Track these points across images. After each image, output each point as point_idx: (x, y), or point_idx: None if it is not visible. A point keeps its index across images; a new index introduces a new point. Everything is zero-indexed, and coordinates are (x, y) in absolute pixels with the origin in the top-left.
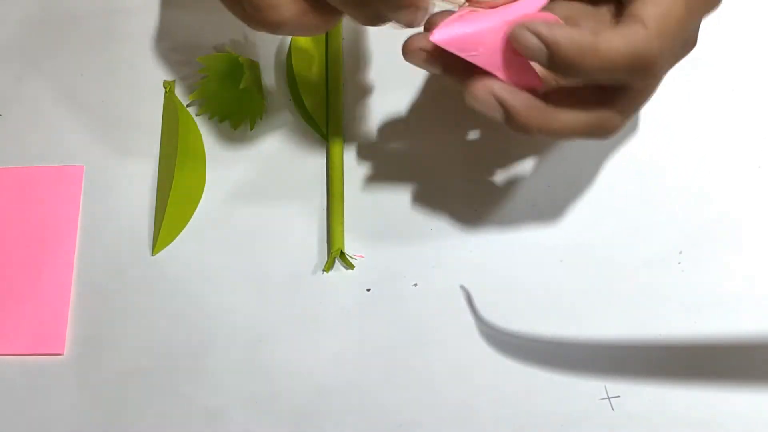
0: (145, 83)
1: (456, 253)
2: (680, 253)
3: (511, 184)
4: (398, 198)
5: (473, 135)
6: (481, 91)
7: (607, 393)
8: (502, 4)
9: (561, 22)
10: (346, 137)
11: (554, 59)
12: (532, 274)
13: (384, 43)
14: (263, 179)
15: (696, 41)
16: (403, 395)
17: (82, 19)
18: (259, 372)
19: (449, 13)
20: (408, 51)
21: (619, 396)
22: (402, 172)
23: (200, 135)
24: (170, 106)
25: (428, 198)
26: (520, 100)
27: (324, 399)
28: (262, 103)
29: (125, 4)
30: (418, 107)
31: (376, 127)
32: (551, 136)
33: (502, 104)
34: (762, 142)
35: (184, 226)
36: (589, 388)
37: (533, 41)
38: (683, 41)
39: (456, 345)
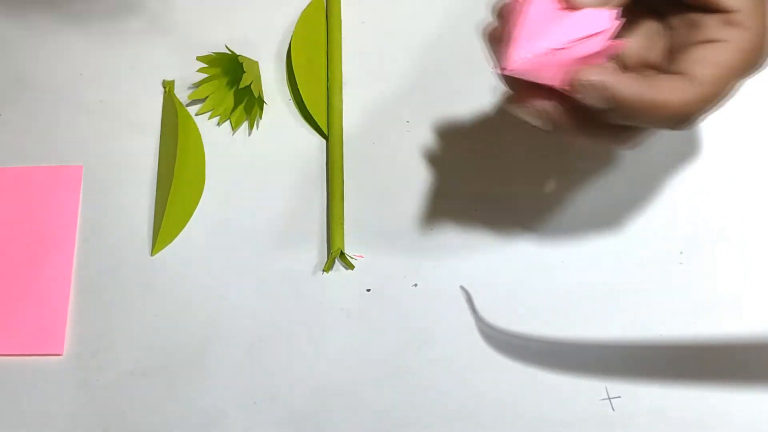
0: (145, 83)
1: (456, 253)
2: (681, 253)
3: (512, 184)
4: (398, 198)
5: (473, 135)
6: (579, 80)
7: (607, 393)
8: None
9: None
10: (346, 137)
11: (614, 110)
12: (533, 274)
13: (384, 42)
14: (263, 179)
15: None
16: (403, 396)
17: (82, 18)
18: (258, 372)
19: None
20: (520, 103)
21: (619, 396)
22: (402, 172)
23: (200, 135)
24: (169, 105)
25: (428, 198)
26: (625, 84)
27: (324, 399)
28: (261, 103)
29: (125, 3)
30: (419, 107)
31: (377, 127)
32: (646, 122)
33: (606, 89)
34: (762, 143)
35: (183, 226)
36: (590, 389)
37: (596, 93)
38: (722, 102)
39: (456, 345)
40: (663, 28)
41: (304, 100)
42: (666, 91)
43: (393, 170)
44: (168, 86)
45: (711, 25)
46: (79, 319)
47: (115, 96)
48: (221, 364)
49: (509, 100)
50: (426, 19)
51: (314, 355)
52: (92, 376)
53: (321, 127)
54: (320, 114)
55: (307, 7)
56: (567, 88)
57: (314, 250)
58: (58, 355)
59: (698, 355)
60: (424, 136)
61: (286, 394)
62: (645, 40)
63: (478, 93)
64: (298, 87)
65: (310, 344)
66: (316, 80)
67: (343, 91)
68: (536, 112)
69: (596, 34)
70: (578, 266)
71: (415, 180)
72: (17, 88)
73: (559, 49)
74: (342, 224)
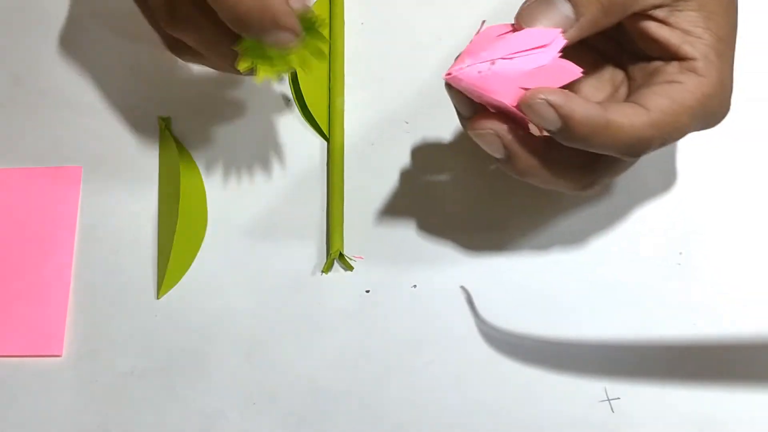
0: (145, 83)
1: (455, 253)
2: (680, 253)
3: (510, 184)
4: (397, 199)
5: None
6: (532, 99)
7: (606, 395)
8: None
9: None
10: (347, 137)
11: (566, 132)
12: (532, 274)
13: (385, 41)
14: (262, 180)
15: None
16: (403, 397)
17: (82, 19)
18: (257, 374)
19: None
20: (479, 129)
21: (619, 398)
22: (401, 173)
23: (197, 168)
24: (167, 143)
25: (427, 199)
26: (577, 104)
27: (323, 401)
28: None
29: (125, 4)
30: (418, 108)
31: (376, 128)
32: (597, 148)
33: (557, 107)
34: (762, 143)
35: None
36: (589, 390)
37: (548, 113)
38: (675, 137)
39: (456, 346)
40: (626, 79)
41: (305, 101)
42: (618, 114)
43: (392, 172)
44: (164, 123)
45: (670, 71)
46: (78, 320)
47: (115, 96)
48: (220, 365)
49: (466, 124)
50: (427, 21)
51: (313, 357)
52: (91, 377)
53: (322, 128)
54: (322, 116)
55: None
56: (517, 108)
57: (313, 251)
58: (57, 356)
59: (698, 355)
60: (423, 138)
61: (285, 395)
62: (609, 89)
63: None
64: (300, 88)
65: (309, 345)
66: (318, 82)
67: (344, 91)
68: (488, 135)
69: (542, 46)
70: (578, 266)
71: (414, 181)
72: (17, 88)
73: (503, 58)
74: (341, 225)
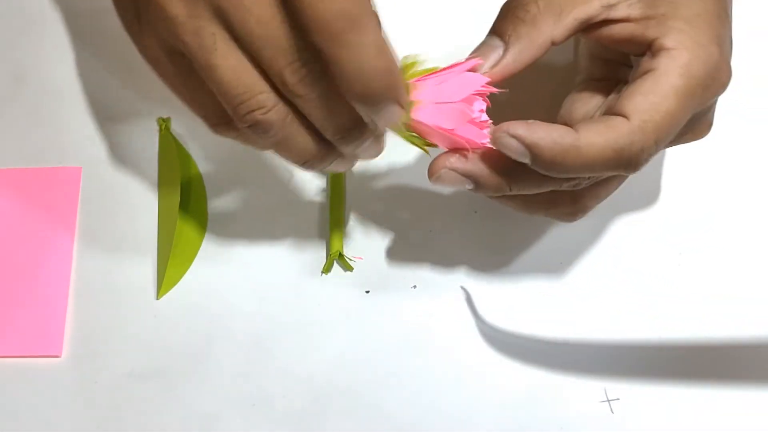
0: (145, 83)
1: (455, 254)
2: (679, 254)
3: None
4: (397, 199)
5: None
6: (496, 136)
7: (606, 396)
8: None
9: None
10: None
11: (537, 161)
12: (533, 274)
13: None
14: (262, 180)
15: (710, 124)
16: (403, 397)
17: (82, 18)
18: (257, 375)
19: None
20: (435, 173)
21: (618, 399)
22: (401, 173)
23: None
24: (167, 143)
25: (427, 200)
26: (542, 131)
27: (323, 402)
28: None
29: None
30: None
31: None
32: (577, 171)
33: (522, 143)
34: (762, 142)
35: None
36: (589, 391)
37: (515, 146)
38: (677, 131)
39: (456, 346)
40: None
41: None
42: (591, 133)
43: (392, 171)
44: (164, 123)
45: (643, 64)
46: (78, 321)
47: (114, 96)
48: (219, 366)
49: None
50: (426, 20)
51: (313, 358)
52: (90, 378)
53: None
54: None
55: None
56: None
57: (313, 251)
58: (57, 356)
59: (698, 356)
60: None
61: (285, 397)
62: None
63: None
64: None
65: (309, 346)
66: None
67: None
68: (444, 174)
69: (455, 65)
70: (578, 267)
71: (414, 181)
72: (17, 87)
73: (417, 80)
74: (341, 226)
